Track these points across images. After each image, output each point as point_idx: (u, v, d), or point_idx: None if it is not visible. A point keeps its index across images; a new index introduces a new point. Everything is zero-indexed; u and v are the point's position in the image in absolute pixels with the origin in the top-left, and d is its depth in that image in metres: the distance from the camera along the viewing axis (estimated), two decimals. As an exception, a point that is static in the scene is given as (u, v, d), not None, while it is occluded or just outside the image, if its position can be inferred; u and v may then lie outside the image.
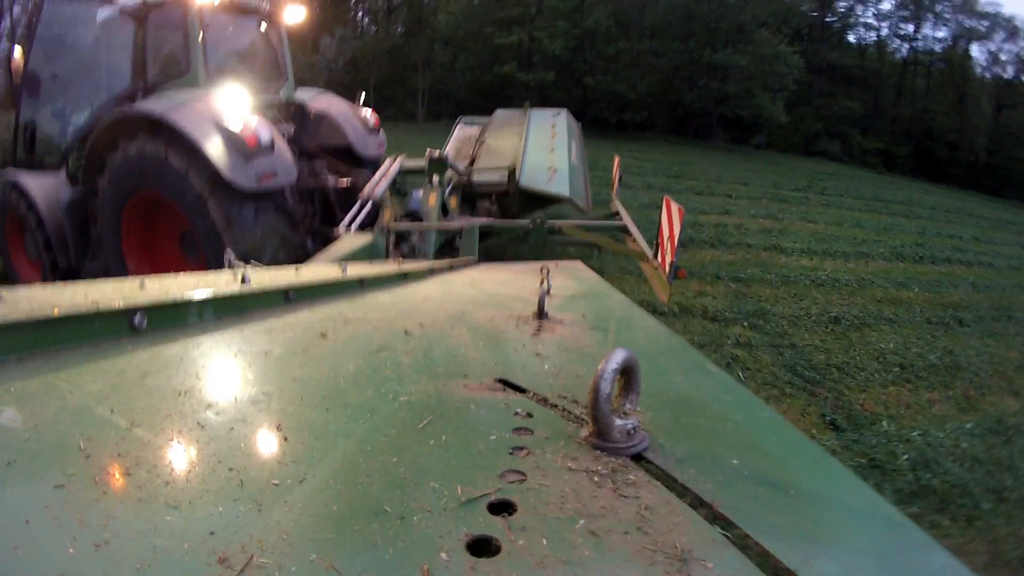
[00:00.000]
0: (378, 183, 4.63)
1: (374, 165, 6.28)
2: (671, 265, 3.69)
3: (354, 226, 4.42)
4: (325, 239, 5.21)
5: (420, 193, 5.04)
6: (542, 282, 1.36)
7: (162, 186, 4.42)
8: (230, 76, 5.35)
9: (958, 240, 12.49)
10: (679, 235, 3.58)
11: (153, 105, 4.42)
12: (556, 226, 5.01)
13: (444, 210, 5.19)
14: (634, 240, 5.00)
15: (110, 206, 4.69)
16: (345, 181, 5.45)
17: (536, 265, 2.07)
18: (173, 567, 0.44)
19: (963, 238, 12.80)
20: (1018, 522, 3.78)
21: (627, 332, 1.34)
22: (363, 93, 6.60)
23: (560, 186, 6.04)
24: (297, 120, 5.98)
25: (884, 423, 4.68)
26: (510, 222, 5.45)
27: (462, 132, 8.03)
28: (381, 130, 6.51)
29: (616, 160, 7.34)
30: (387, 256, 3.95)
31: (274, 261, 4.41)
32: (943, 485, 3.95)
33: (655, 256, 4.19)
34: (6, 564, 0.43)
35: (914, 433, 4.57)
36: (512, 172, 6.03)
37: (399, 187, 5.12)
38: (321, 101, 6.15)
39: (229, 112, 4.42)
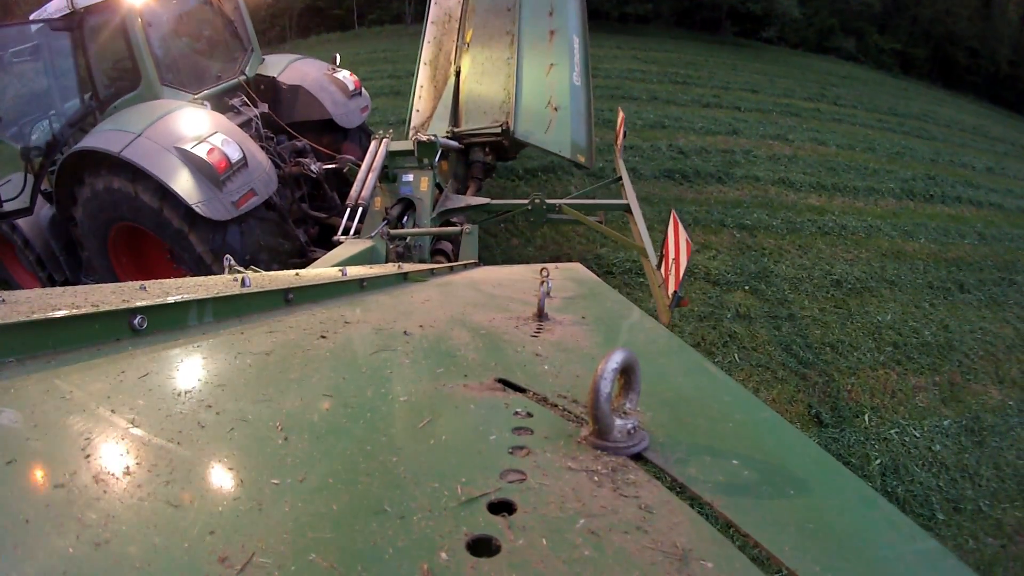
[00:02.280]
0: (366, 180, 4.34)
1: (360, 131, 5.85)
2: (674, 295, 3.50)
3: (352, 231, 4.25)
4: (317, 223, 5.00)
5: (410, 176, 4.72)
6: (542, 283, 1.37)
7: (139, 219, 4.16)
8: (187, 70, 4.88)
9: (971, 171, 11.83)
10: (685, 268, 3.35)
11: (108, 139, 4.01)
12: (555, 205, 4.80)
13: (437, 186, 4.94)
14: (635, 223, 4.75)
15: (92, 235, 4.45)
16: (330, 164, 5.11)
17: (536, 267, 2.08)
18: (173, 566, 0.44)
19: (976, 168, 12.10)
20: (967, 534, 3.84)
21: (627, 333, 1.34)
22: (338, 56, 6.09)
23: (560, 137, 5.39)
24: (269, 96, 5.47)
25: (866, 416, 4.74)
26: (508, 203, 5.20)
27: (439, 8, 6.78)
28: (362, 91, 6.00)
29: (620, 117, 6.63)
30: (387, 261, 3.90)
31: (271, 269, 4.26)
32: (906, 493, 4.03)
33: (658, 266, 3.92)
34: (6, 564, 0.43)
35: (892, 431, 4.63)
36: (506, 129, 5.44)
37: (387, 171, 4.74)
38: (294, 72, 5.60)
39: (191, 133, 4.03)
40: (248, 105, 5.17)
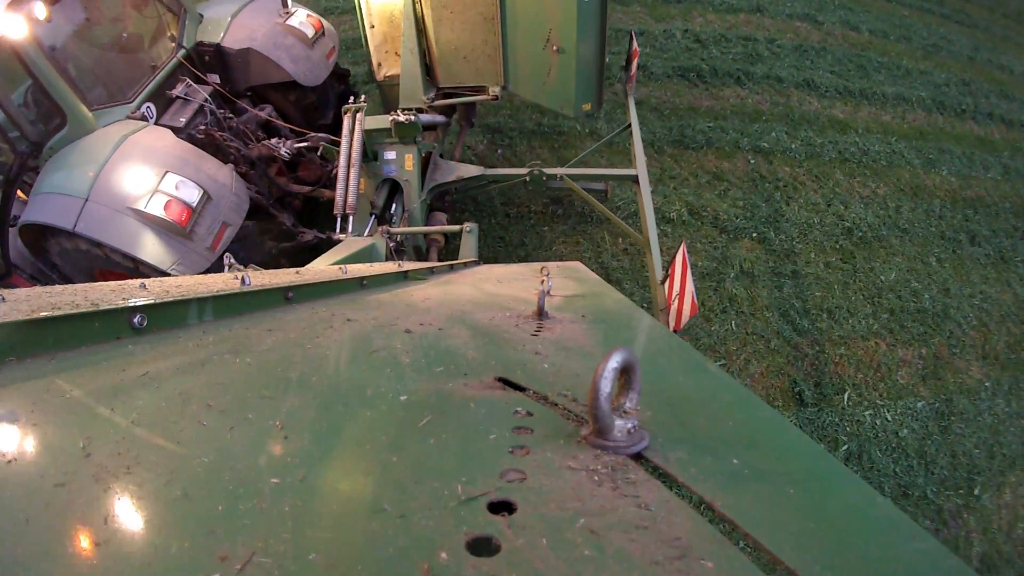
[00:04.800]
0: (348, 181, 4.00)
1: (332, 78, 5.18)
2: (674, 332, 3.26)
3: (349, 230, 4.06)
4: (298, 195, 4.73)
5: (392, 154, 4.30)
6: (542, 282, 1.37)
7: (119, 269, 3.84)
8: (116, 78, 4.22)
9: (1008, 75, 10.53)
10: (687, 320, 3.09)
11: (56, 209, 3.61)
12: (556, 175, 4.49)
13: (423, 164, 4.56)
14: (642, 203, 4.34)
15: (78, 276, 4.16)
16: (301, 143, 4.52)
17: (536, 265, 2.08)
18: (173, 566, 0.44)
19: (1014, 72, 10.72)
20: (906, 518, 4.02)
21: (627, 332, 1.34)
22: None
23: (563, 88, 4.47)
24: (218, 65, 4.72)
25: (846, 394, 4.79)
26: (505, 172, 4.82)
27: None
28: (326, 30, 5.03)
29: (634, 48, 5.27)
30: (386, 259, 3.85)
31: (270, 264, 4.11)
32: (862, 479, 4.15)
33: (663, 281, 3.62)
34: (6, 563, 0.43)
35: (866, 412, 4.70)
36: (499, 96, 4.73)
37: (366, 148, 4.26)
38: (239, 31, 4.70)
39: (141, 184, 3.61)
40: (195, 86, 4.51)
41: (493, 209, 5.96)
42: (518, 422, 0.71)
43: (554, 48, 4.21)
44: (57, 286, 1.15)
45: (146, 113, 4.26)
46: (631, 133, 4.97)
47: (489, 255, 5.51)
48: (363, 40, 5.22)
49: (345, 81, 5.56)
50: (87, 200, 3.58)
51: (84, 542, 0.45)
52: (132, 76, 4.28)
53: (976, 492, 4.44)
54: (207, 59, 4.67)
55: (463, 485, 0.56)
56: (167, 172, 3.69)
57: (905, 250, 6.33)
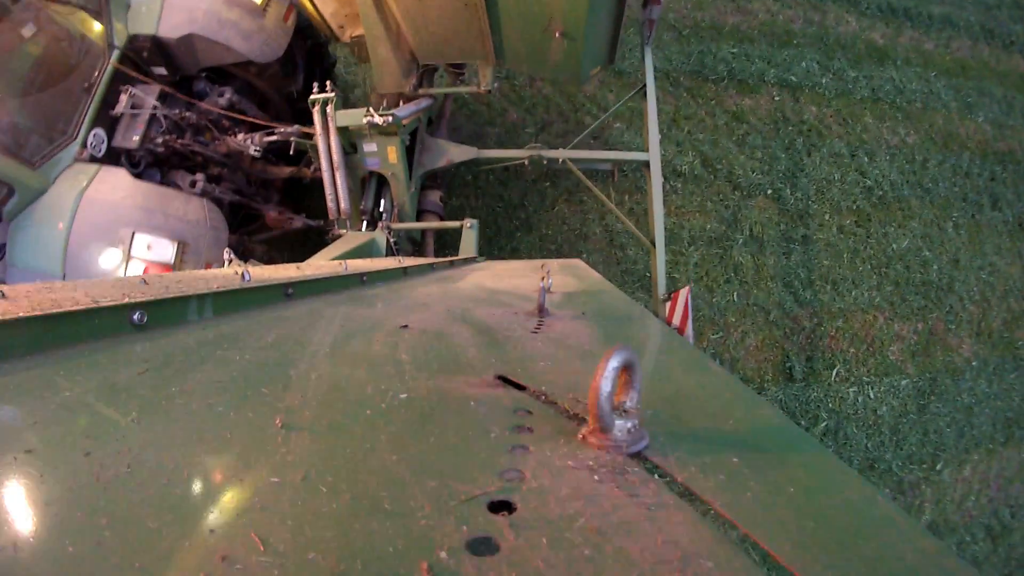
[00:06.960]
0: (336, 185, 3.82)
1: (298, 40, 4.59)
2: None
3: (348, 226, 3.98)
4: (274, 184, 4.56)
5: (374, 146, 3.97)
6: (542, 279, 1.36)
7: None
8: (54, 119, 3.66)
9: None
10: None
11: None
12: (558, 159, 4.21)
13: (410, 152, 4.24)
14: (652, 198, 4.05)
15: None
16: (271, 136, 4.14)
17: (537, 263, 2.08)
18: (173, 566, 0.44)
19: None
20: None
21: (628, 330, 1.34)
22: None
23: (568, 65, 3.94)
24: (161, 58, 4.11)
25: (835, 370, 4.82)
26: (501, 155, 4.50)
27: None
28: None
29: None
30: (387, 254, 3.83)
31: (263, 258, 4.09)
32: (835, 453, 4.22)
33: (665, 299, 3.47)
34: (6, 564, 0.43)
35: (851, 389, 4.75)
36: (493, 79, 4.31)
37: (344, 145, 3.97)
38: (176, 13, 4.04)
39: (113, 255, 3.39)
40: (140, 94, 3.98)
41: (491, 165, 5.43)
42: (518, 421, 0.71)
43: (556, 33, 3.69)
44: (57, 282, 1.15)
45: (95, 147, 3.79)
46: (645, 97, 4.37)
47: (488, 217, 5.16)
48: (315, 12, 4.58)
49: (313, 34, 4.90)
50: (63, 260, 3.37)
51: (83, 541, 0.45)
52: (72, 107, 3.73)
53: (938, 467, 4.58)
54: (145, 54, 4.09)
55: (463, 484, 0.56)
56: (135, 233, 3.41)
57: (923, 213, 5.94)
